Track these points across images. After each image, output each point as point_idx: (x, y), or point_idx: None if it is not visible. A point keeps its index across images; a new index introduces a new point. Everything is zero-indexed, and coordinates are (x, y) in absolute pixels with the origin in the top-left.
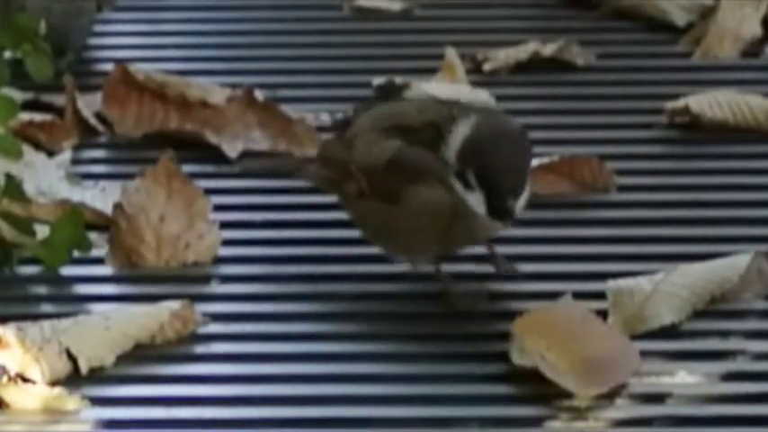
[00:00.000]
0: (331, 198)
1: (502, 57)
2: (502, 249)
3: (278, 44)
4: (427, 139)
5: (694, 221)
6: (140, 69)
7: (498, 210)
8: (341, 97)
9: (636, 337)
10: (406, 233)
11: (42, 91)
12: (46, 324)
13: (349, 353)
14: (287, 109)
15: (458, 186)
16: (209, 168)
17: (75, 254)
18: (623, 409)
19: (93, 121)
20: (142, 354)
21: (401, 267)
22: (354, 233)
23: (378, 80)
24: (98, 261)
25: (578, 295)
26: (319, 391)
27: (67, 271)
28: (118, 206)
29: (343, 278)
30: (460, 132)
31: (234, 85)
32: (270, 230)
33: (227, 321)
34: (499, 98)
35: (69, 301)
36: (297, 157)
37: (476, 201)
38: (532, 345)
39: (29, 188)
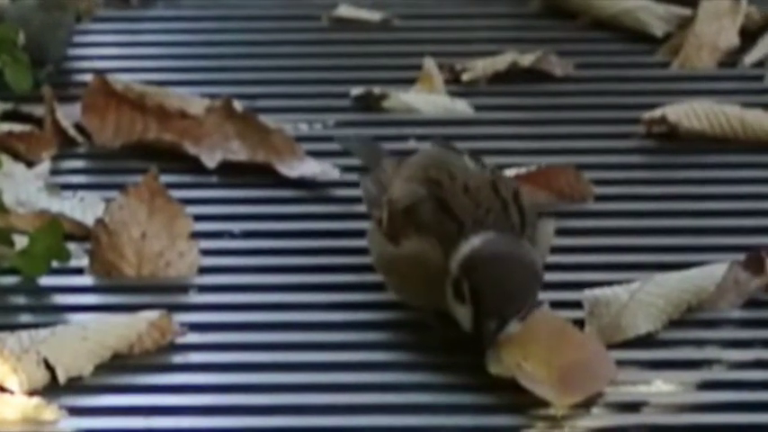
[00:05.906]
0: (311, 208)
1: (480, 67)
2: None
3: (257, 55)
4: (446, 233)
5: (671, 231)
6: (119, 80)
7: (478, 330)
8: (319, 107)
9: (612, 346)
10: (398, 278)
11: (21, 102)
12: (24, 334)
13: (327, 362)
14: (265, 119)
15: (450, 293)
16: (187, 179)
17: (54, 264)
18: (599, 417)
19: (72, 131)
20: (120, 363)
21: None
22: (334, 243)
23: (356, 90)
24: (76, 271)
25: (555, 304)
26: (298, 400)
27: (46, 281)
28: (100, 222)
29: (322, 288)
30: (472, 243)
31: (212, 96)
32: (248, 240)
33: (204, 331)
34: (477, 108)
35: (47, 312)
36: (382, 156)
37: (463, 314)
38: (509, 354)
39: (8, 198)
